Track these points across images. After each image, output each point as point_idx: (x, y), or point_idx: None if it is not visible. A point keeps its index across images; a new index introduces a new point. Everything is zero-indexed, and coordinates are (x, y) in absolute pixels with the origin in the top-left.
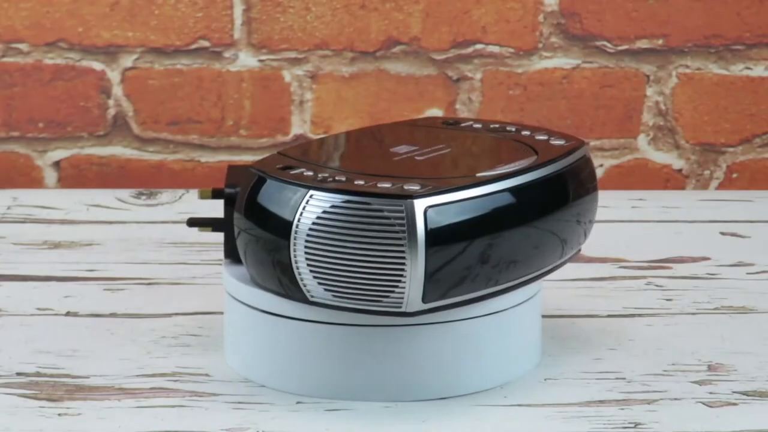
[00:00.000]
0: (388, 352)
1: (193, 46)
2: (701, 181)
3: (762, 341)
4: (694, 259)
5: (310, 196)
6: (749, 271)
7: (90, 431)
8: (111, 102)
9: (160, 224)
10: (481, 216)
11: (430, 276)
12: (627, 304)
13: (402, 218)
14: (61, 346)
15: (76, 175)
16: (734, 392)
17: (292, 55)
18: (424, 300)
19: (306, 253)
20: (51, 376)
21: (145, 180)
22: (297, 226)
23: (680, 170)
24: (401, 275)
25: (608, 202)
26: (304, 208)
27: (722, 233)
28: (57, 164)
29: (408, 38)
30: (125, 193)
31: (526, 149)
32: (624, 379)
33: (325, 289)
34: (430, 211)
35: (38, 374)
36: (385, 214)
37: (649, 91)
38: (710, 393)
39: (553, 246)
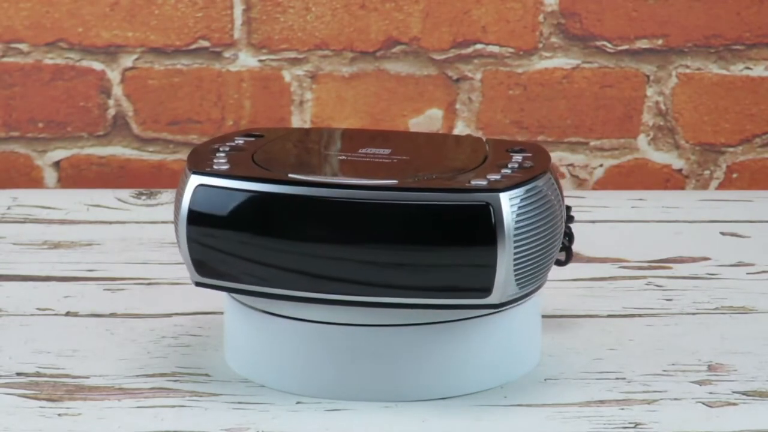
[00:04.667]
0: (388, 352)
1: (193, 46)
2: (701, 181)
3: (762, 341)
4: (694, 259)
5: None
6: (749, 271)
7: (90, 431)
8: (111, 102)
9: (160, 224)
10: (242, 210)
11: (191, 251)
12: (627, 304)
13: (182, 192)
14: (61, 346)
15: (76, 175)
16: (734, 392)
17: (292, 55)
18: (199, 273)
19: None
20: (51, 376)
21: (145, 180)
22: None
23: (680, 170)
24: (178, 245)
25: (608, 202)
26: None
27: (722, 233)
28: (57, 164)
29: (408, 38)
30: (125, 193)
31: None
32: (624, 379)
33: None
34: (198, 189)
35: (38, 374)
36: (181, 187)
37: (649, 91)
38: (710, 393)
39: (340, 273)
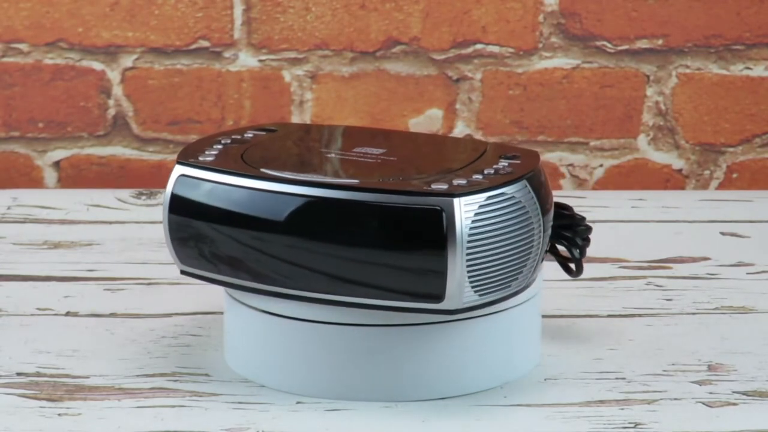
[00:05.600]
0: (388, 352)
1: (193, 46)
2: (701, 181)
3: (762, 341)
4: (694, 259)
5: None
6: (749, 271)
7: (90, 431)
8: (111, 102)
9: (160, 224)
10: (212, 201)
11: (173, 238)
12: (627, 304)
13: (168, 180)
14: (61, 346)
15: (76, 175)
16: (734, 392)
17: (292, 55)
18: (180, 260)
19: None
20: (51, 376)
21: (145, 180)
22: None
23: (680, 170)
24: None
25: (608, 202)
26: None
27: (722, 233)
28: (57, 164)
29: (408, 38)
30: (125, 193)
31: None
32: (624, 379)
33: None
34: (180, 179)
35: (38, 374)
36: (171, 175)
37: (649, 91)
38: (710, 393)
39: (316, 269)
